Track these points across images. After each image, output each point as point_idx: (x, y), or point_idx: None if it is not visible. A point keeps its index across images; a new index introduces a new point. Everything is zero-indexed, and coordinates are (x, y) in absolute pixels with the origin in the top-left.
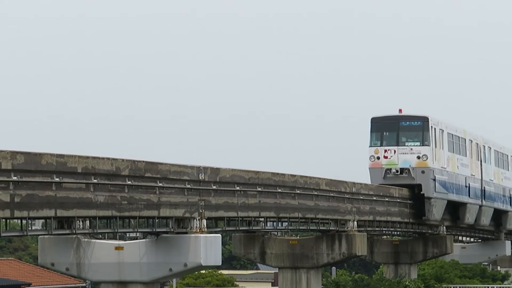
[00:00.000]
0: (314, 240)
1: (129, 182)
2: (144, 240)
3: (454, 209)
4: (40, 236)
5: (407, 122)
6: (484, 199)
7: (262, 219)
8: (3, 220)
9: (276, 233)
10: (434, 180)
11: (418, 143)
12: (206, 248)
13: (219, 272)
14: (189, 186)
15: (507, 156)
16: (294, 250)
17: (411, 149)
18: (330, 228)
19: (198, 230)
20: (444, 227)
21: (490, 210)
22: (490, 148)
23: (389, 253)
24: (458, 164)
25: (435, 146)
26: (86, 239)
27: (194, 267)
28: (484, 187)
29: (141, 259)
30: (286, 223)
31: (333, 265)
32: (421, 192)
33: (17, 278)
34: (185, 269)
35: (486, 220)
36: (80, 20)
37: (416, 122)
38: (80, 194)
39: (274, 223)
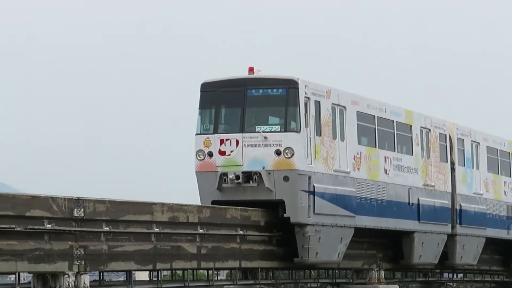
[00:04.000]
0: None
1: None
2: None
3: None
4: (225, 286)
5: (260, 91)
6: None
7: (438, 270)
8: (191, 270)
9: (451, 284)
10: (313, 193)
11: (278, 127)
12: None
13: None
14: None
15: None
16: None
17: (265, 137)
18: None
19: (377, 281)
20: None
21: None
22: (479, 144)
23: None
24: (382, 167)
25: (319, 133)
26: None
27: None
28: (461, 205)
29: None
30: (462, 274)
31: None
32: (284, 215)
33: None
34: None
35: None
36: None
37: (275, 90)
38: (263, 246)
39: (450, 274)
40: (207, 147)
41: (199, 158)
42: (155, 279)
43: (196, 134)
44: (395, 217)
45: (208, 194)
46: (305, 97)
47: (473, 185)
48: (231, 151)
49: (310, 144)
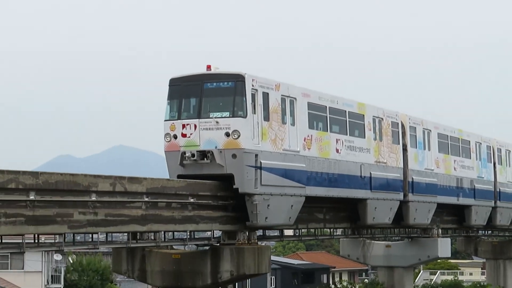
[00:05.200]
0: None
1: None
2: (402, 241)
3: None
4: (341, 239)
5: (214, 84)
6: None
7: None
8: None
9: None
10: (260, 168)
11: (228, 114)
12: (441, 246)
13: (449, 261)
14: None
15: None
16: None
17: (217, 122)
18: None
19: (436, 235)
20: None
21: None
22: (430, 131)
23: None
24: (333, 147)
25: (267, 119)
26: (368, 241)
27: (433, 258)
28: (413, 178)
29: (402, 253)
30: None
31: None
32: (234, 186)
33: (326, 263)
34: (428, 259)
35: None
36: None
37: (226, 83)
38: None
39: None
40: (173, 130)
41: (166, 140)
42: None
43: (165, 120)
44: (347, 187)
45: (174, 170)
46: (252, 88)
47: (425, 163)
48: (191, 134)
49: (258, 128)
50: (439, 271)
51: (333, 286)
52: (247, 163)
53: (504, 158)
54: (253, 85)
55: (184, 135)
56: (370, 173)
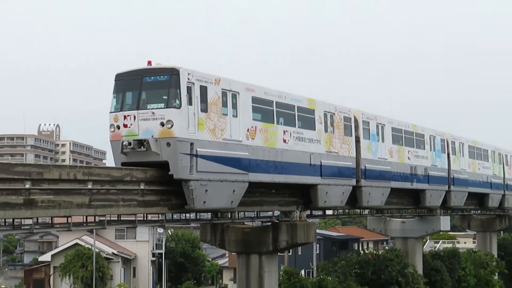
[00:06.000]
0: None
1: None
2: (413, 218)
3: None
4: (368, 217)
5: (152, 78)
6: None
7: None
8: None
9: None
10: (196, 155)
11: (163, 105)
12: (443, 222)
13: (448, 233)
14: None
15: (413, 132)
16: None
17: (153, 113)
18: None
19: (441, 213)
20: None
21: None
22: (384, 125)
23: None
24: (280, 138)
25: (205, 110)
26: (388, 218)
27: (437, 231)
28: (365, 166)
29: (414, 227)
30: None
31: None
32: (169, 173)
33: (357, 235)
34: (433, 232)
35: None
36: None
37: (162, 77)
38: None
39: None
40: (116, 121)
41: (111, 131)
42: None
43: (110, 112)
44: (296, 174)
45: (117, 158)
46: (188, 81)
47: (378, 153)
48: (131, 124)
49: (194, 118)
50: (441, 241)
51: (362, 251)
52: (182, 151)
53: (458, 149)
54: (189, 79)
55: (125, 126)
56: (321, 162)
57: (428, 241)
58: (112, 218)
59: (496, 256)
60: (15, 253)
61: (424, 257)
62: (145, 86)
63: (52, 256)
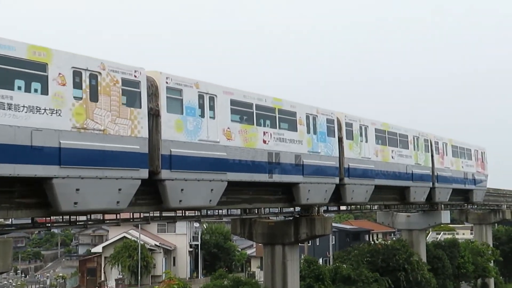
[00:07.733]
0: None
1: None
2: (417, 213)
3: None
4: (377, 211)
5: None
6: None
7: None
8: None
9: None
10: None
11: None
12: (443, 215)
13: (448, 225)
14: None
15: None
16: None
17: None
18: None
19: (442, 208)
20: None
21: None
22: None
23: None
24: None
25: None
26: (395, 212)
27: (438, 223)
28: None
29: (418, 220)
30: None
31: None
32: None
33: (368, 227)
34: (435, 224)
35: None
36: None
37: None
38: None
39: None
40: None
41: None
42: None
43: None
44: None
45: None
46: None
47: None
48: None
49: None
50: (442, 232)
51: (372, 242)
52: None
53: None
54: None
55: None
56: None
57: (430, 232)
58: (154, 215)
59: (491, 245)
60: (71, 246)
61: (427, 246)
62: None
63: (103, 248)
